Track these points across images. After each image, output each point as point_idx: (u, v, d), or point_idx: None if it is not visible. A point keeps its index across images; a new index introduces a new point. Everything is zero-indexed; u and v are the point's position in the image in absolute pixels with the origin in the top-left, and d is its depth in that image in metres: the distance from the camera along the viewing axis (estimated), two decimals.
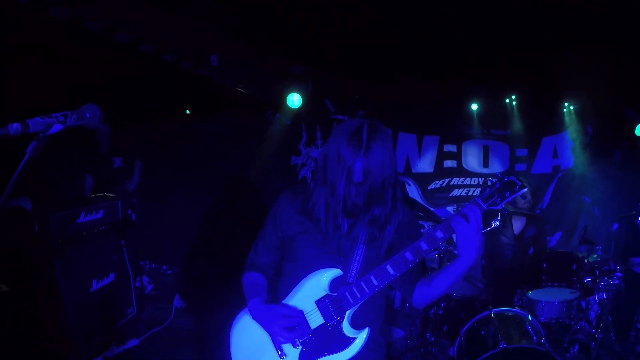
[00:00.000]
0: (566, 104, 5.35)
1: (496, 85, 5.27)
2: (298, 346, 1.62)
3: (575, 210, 5.48)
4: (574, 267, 3.64)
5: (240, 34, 4.40)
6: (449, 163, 5.43)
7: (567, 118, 5.37)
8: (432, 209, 5.43)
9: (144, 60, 4.01)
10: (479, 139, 5.42)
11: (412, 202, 5.36)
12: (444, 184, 5.42)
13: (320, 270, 1.61)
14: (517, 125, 5.32)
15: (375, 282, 1.53)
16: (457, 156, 5.44)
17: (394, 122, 5.44)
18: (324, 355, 1.59)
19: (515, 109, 5.28)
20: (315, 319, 1.60)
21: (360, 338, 1.59)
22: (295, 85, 4.99)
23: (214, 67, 4.36)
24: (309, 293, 1.62)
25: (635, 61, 4.67)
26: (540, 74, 5.15)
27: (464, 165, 5.41)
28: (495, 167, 5.45)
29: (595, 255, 4.16)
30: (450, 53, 4.78)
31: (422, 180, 5.41)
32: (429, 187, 5.42)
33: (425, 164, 5.42)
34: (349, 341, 1.58)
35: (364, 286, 1.54)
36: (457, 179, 5.40)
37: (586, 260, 3.84)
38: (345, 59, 4.98)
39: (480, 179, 5.43)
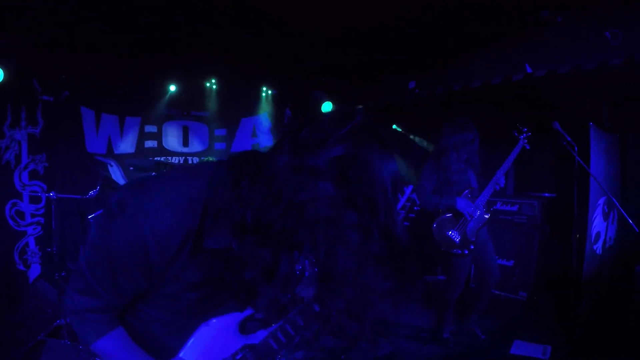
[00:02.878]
0: (264, 89, 5.88)
1: (196, 69, 5.62)
2: None
3: None
4: None
5: None
6: (150, 143, 5.70)
7: (264, 101, 5.91)
8: None
9: None
10: (179, 119, 5.79)
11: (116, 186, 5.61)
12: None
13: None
14: (216, 107, 5.75)
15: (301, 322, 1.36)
16: (158, 136, 5.74)
17: (97, 104, 5.48)
18: None
19: (214, 92, 5.70)
20: None
21: None
22: None
23: None
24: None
25: (316, 51, 5.23)
26: (240, 61, 5.58)
27: (165, 145, 5.75)
28: (195, 146, 5.88)
29: None
30: (149, 36, 4.94)
31: (124, 160, 5.67)
32: (131, 168, 5.70)
33: (127, 145, 5.60)
34: None
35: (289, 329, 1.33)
36: (159, 158, 5.75)
37: None
38: (54, 37, 4.90)
39: (181, 158, 5.83)
